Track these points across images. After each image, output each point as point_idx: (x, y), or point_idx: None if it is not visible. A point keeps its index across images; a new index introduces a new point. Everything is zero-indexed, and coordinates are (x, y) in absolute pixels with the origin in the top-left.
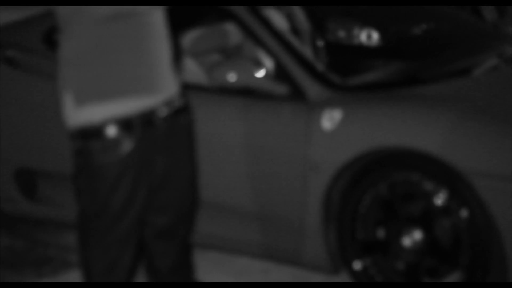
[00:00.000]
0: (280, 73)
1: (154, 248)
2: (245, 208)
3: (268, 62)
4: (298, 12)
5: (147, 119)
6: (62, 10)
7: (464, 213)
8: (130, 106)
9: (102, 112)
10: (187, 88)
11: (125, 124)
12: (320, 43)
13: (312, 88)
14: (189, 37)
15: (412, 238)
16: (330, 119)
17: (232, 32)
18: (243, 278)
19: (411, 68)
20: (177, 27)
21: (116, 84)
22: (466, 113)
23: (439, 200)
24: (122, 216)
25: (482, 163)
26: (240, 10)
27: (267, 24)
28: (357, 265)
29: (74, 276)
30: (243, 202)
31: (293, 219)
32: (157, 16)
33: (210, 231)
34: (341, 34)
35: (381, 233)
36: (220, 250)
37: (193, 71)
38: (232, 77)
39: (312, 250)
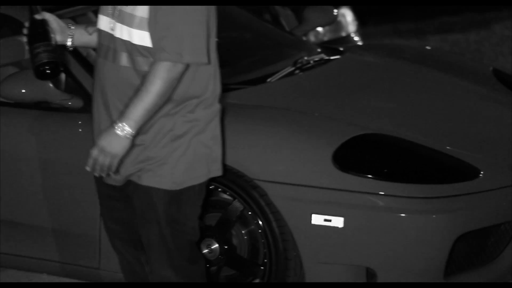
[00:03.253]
0: (73, 86)
1: None
2: (41, 225)
3: (63, 75)
4: None
5: None
6: None
7: (260, 221)
8: None
9: None
10: None
11: None
12: None
13: None
14: None
15: (210, 248)
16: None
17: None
18: None
19: None
20: None
21: None
22: (258, 122)
23: (235, 209)
24: None
25: (274, 171)
26: None
27: None
28: None
29: None
30: (39, 218)
31: (90, 235)
32: None
33: (6, 250)
34: None
35: None
36: (18, 269)
37: None
38: (24, 90)
39: (110, 266)
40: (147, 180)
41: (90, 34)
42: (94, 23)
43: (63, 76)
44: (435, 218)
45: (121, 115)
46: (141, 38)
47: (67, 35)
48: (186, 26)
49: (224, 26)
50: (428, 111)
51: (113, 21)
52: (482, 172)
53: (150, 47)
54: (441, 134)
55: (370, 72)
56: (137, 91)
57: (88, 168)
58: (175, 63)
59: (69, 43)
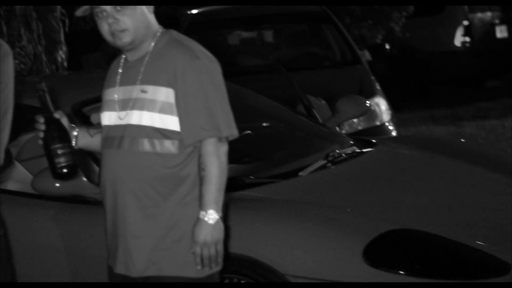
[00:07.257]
0: None
1: None
2: None
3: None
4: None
5: None
6: None
7: None
8: None
9: None
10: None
11: None
12: None
13: None
14: (18, 143)
15: None
16: None
17: None
18: None
19: (241, 170)
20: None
21: None
22: (288, 218)
23: None
24: None
25: (305, 267)
26: None
27: None
28: None
29: None
30: None
31: None
32: None
33: None
34: None
35: None
36: None
37: (22, 178)
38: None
39: None
40: (171, 270)
41: (92, 136)
42: (95, 125)
43: (97, 169)
44: None
45: (201, 205)
46: (164, 121)
47: (72, 135)
48: (217, 104)
49: (256, 118)
50: (459, 205)
51: (124, 112)
52: None
53: (176, 130)
54: (471, 228)
55: (402, 165)
56: (201, 178)
57: (199, 267)
58: (219, 137)
59: (73, 143)
